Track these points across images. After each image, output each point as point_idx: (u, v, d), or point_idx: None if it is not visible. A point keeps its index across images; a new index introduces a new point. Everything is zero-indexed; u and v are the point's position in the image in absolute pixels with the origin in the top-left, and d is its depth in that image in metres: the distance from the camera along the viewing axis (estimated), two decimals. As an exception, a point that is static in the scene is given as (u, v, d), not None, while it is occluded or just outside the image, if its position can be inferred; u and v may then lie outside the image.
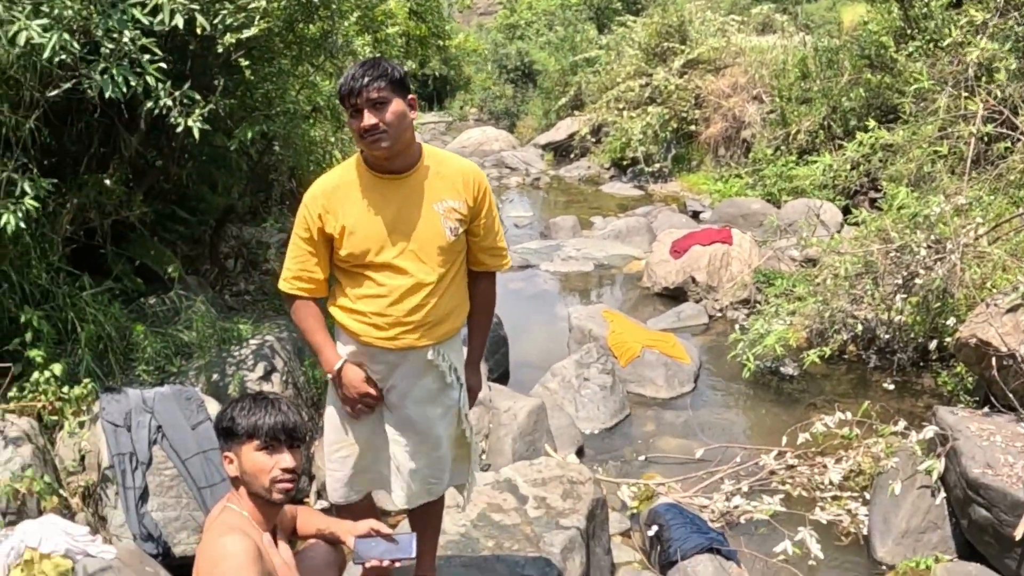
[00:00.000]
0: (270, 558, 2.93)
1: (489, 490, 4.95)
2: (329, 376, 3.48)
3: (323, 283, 3.46)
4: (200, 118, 5.44)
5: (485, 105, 29.59)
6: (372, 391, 3.44)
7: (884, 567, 5.24)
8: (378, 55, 3.28)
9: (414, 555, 3.32)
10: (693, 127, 17.20)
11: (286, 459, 2.96)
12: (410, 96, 3.27)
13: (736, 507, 5.85)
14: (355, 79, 3.14)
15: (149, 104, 5.37)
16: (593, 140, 19.75)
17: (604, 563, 4.98)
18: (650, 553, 5.38)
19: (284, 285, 3.47)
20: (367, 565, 3.26)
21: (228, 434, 2.98)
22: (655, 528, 5.38)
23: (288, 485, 2.98)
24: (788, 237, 10.09)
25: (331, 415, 3.59)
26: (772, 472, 6.27)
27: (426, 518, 3.84)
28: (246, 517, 2.97)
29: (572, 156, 20.45)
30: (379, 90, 3.14)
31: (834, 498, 5.92)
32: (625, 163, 18.00)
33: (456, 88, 34.17)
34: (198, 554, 2.90)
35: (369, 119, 3.13)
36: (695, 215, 14.12)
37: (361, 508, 3.67)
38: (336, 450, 3.58)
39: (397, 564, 3.37)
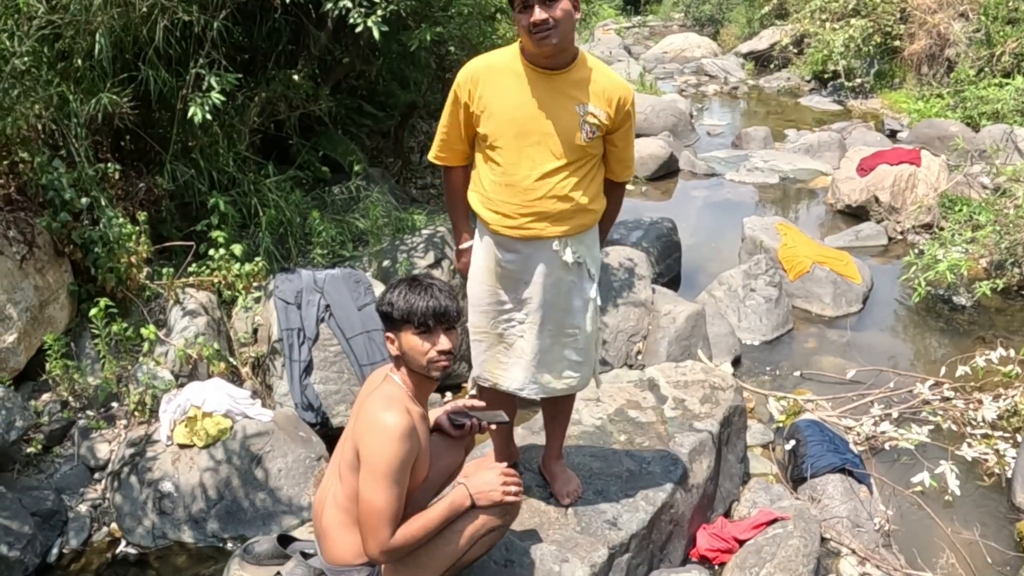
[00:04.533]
0: (422, 435, 3.15)
1: (631, 387, 5.09)
2: (457, 247, 3.78)
3: (467, 154, 3.65)
4: (380, 19, 5.65)
5: (690, 10, 28.99)
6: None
7: (1022, 513, 5.05)
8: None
9: (507, 420, 3.54)
10: (897, 42, 16.32)
11: (442, 342, 3.12)
12: None
13: (883, 432, 5.77)
14: None
15: (329, 5, 5.63)
16: (795, 51, 19.12)
17: (736, 471, 5.06)
18: (786, 467, 5.41)
19: (431, 155, 3.71)
20: (455, 427, 3.49)
21: (387, 318, 3.16)
22: (792, 443, 5.39)
23: (445, 363, 3.16)
24: (980, 163, 9.64)
25: (473, 302, 3.77)
26: (925, 402, 6.12)
27: (557, 408, 4.03)
28: (404, 391, 3.18)
29: (772, 67, 19.90)
30: None
31: (984, 436, 5.75)
32: (826, 76, 17.38)
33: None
34: (358, 416, 3.13)
35: (540, 14, 3.23)
36: (892, 134, 13.53)
37: (500, 394, 3.84)
38: (475, 333, 3.80)
39: (493, 426, 3.56)
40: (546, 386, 3.77)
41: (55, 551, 4.62)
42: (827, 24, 17.09)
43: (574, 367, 3.79)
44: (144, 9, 5.53)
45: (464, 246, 3.79)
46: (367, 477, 2.94)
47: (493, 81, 3.44)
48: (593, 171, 3.61)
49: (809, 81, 18.19)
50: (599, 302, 3.81)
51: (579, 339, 3.74)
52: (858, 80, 16.56)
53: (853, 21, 16.48)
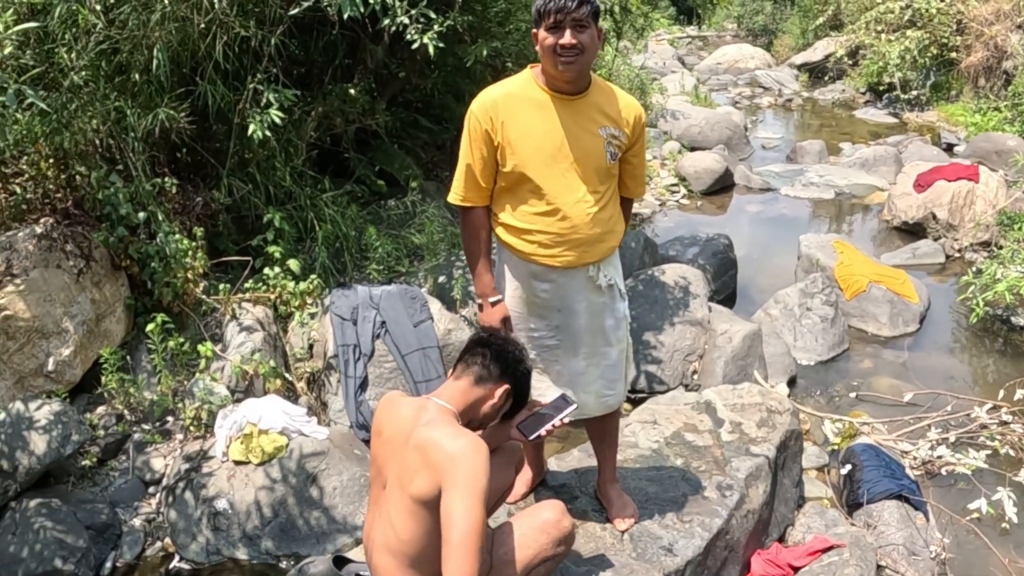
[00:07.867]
0: None
1: (688, 410, 5.02)
2: (479, 300, 3.65)
3: (490, 190, 3.56)
4: (435, 36, 5.63)
5: (743, 21, 28.81)
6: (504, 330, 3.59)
7: (1080, 541, 4.93)
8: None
9: (574, 403, 3.48)
10: (954, 54, 16.08)
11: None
12: (598, 27, 3.38)
13: (939, 457, 5.63)
14: None
15: (386, 21, 5.62)
16: (850, 63, 18.90)
17: (791, 495, 4.97)
18: (841, 492, 5.30)
19: (453, 198, 3.60)
20: (535, 437, 3.41)
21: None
22: (848, 467, 5.28)
23: None
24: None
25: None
26: (983, 426, 5.97)
27: (604, 429, 4.00)
28: (455, 415, 3.14)
29: (827, 78, 19.72)
30: (584, 14, 3.25)
31: (1042, 461, 5.61)
32: (881, 88, 17.16)
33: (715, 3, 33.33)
34: (423, 450, 3.01)
35: (570, 37, 3.23)
36: (949, 148, 13.31)
37: None
38: None
39: (568, 419, 3.47)
40: (583, 407, 3.74)
41: (109, 565, 4.63)
42: (882, 35, 16.90)
43: (609, 385, 3.80)
44: (202, 25, 5.55)
45: (495, 299, 3.62)
46: (463, 499, 2.86)
47: (514, 110, 3.40)
48: (615, 193, 3.65)
49: (864, 93, 18.00)
50: (629, 318, 3.84)
51: (611, 356, 3.75)
52: (914, 92, 16.35)
53: (909, 32, 16.28)
